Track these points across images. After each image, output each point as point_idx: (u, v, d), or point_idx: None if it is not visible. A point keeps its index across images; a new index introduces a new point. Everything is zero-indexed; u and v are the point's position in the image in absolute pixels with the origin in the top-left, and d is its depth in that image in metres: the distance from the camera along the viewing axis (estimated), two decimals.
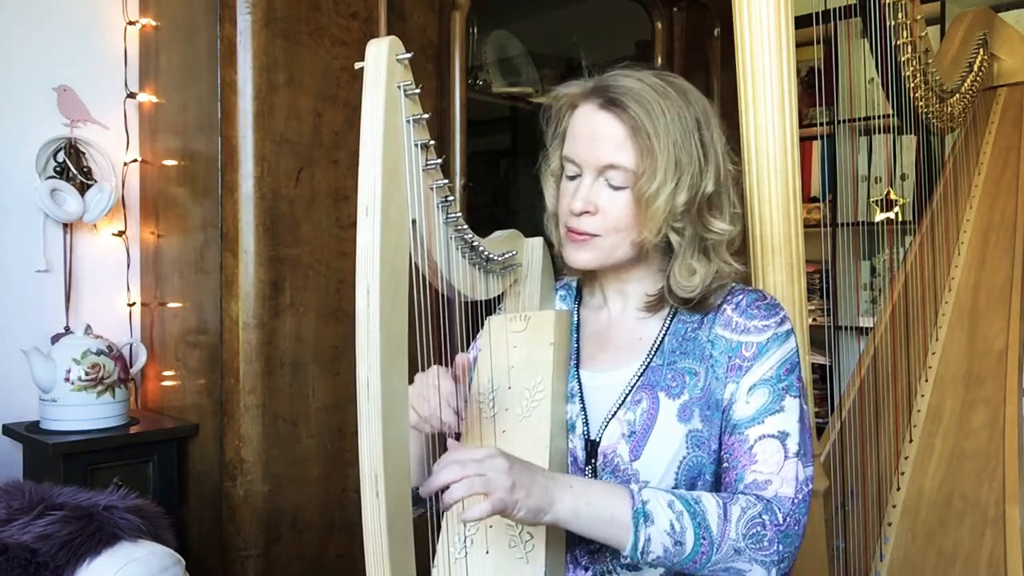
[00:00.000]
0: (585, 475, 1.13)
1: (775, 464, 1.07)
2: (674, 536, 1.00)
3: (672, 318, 1.18)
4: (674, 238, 1.13)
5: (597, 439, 1.13)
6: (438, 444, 1.15)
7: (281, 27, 1.97)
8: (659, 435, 1.10)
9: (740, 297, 1.17)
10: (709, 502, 1.03)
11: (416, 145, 0.94)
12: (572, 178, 1.15)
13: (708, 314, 1.17)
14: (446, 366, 1.08)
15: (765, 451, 1.08)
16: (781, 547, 1.03)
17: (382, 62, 0.90)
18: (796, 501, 1.06)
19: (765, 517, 1.03)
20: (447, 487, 0.94)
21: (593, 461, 1.12)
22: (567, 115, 1.18)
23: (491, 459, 0.95)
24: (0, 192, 2.09)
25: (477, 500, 0.94)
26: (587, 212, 1.12)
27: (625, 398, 1.14)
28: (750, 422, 1.09)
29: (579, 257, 1.16)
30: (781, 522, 1.04)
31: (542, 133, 1.23)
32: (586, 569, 1.13)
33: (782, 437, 1.08)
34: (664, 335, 1.17)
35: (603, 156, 1.11)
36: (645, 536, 0.99)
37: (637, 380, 1.14)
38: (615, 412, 1.13)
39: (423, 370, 1.07)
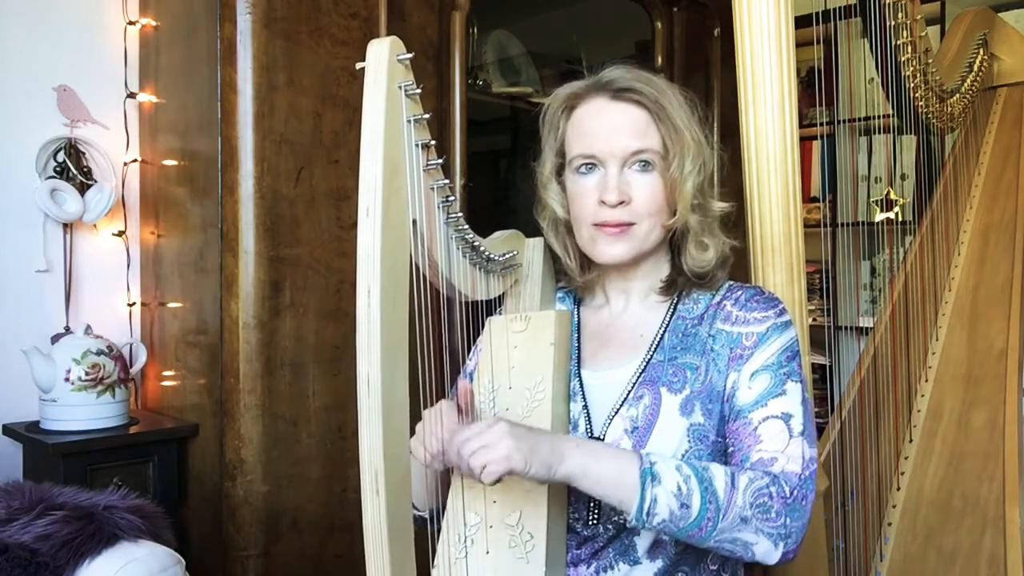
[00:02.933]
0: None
1: (781, 443, 1.07)
2: (680, 498, 0.99)
3: (672, 314, 1.19)
4: (692, 217, 1.16)
5: (601, 436, 1.14)
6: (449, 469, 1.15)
7: (281, 27, 1.96)
8: (662, 429, 1.11)
9: (739, 293, 1.19)
10: (717, 469, 1.03)
11: (417, 145, 0.94)
12: (587, 175, 1.15)
13: (708, 310, 1.18)
14: (448, 368, 1.08)
15: (770, 431, 1.08)
16: (788, 520, 1.02)
17: (383, 62, 0.90)
18: (803, 477, 1.05)
19: (772, 489, 1.03)
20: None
21: None
22: (564, 118, 1.19)
23: (489, 428, 0.97)
24: (0, 192, 2.09)
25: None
26: (622, 202, 1.13)
27: (627, 395, 1.14)
28: (753, 405, 1.10)
29: (614, 251, 1.15)
30: (788, 495, 1.03)
31: (540, 138, 1.23)
32: (587, 565, 1.13)
33: (786, 418, 1.08)
34: (664, 331, 1.18)
35: (629, 144, 1.12)
36: (651, 496, 0.98)
37: (639, 376, 1.15)
38: (618, 409, 1.14)
39: (423, 370, 1.07)
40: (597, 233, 1.15)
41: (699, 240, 1.17)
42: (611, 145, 1.13)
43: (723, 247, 1.19)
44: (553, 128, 1.20)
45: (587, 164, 1.15)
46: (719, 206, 1.18)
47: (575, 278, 1.26)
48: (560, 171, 1.20)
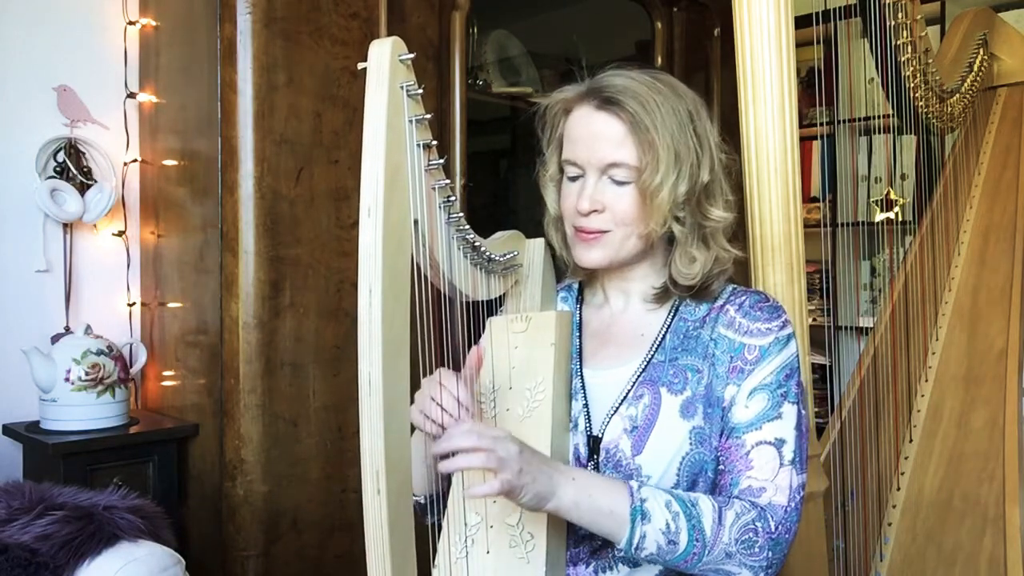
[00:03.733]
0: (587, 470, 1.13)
1: (770, 471, 1.09)
2: (668, 536, 1.02)
3: (674, 315, 1.19)
4: (676, 228, 1.15)
5: (599, 435, 1.14)
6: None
7: (281, 27, 1.96)
8: (661, 430, 1.11)
9: (743, 298, 1.18)
10: (705, 505, 1.05)
11: (418, 145, 0.94)
12: (574, 179, 1.17)
13: (710, 313, 1.18)
14: (450, 367, 1.08)
15: (761, 458, 1.10)
16: (770, 554, 1.06)
17: (384, 62, 0.90)
18: (788, 510, 1.08)
19: (758, 524, 1.06)
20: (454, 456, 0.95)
21: (595, 457, 1.13)
22: (562, 120, 1.20)
23: (504, 440, 0.97)
24: (0, 192, 2.09)
25: (478, 476, 0.96)
26: (595, 211, 1.14)
27: (627, 394, 1.15)
28: (748, 427, 1.11)
29: (590, 256, 1.17)
30: (773, 530, 1.06)
31: (539, 138, 1.24)
32: (587, 564, 1.13)
33: (778, 444, 1.10)
34: (666, 332, 1.18)
35: (605, 155, 1.13)
36: (640, 533, 1.01)
37: (639, 376, 1.16)
38: (617, 407, 1.14)
39: (424, 370, 1.07)
40: (575, 238, 1.18)
41: (686, 251, 1.16)
42: (589, 155, 1.14)
43: (720, 257, 1.18)
44: (554, 129, 1.21)
45: (573, 169, 1.17)
46: (718, 215, 1.17)
47: (570, 272, 1.27)
48: (562, 170, 1.21)
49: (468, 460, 0.95)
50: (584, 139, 1.14)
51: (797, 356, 1.16)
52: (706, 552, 1.03)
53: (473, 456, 0.95)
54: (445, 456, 0.96)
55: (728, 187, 1.19)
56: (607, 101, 1.13)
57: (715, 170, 1.16)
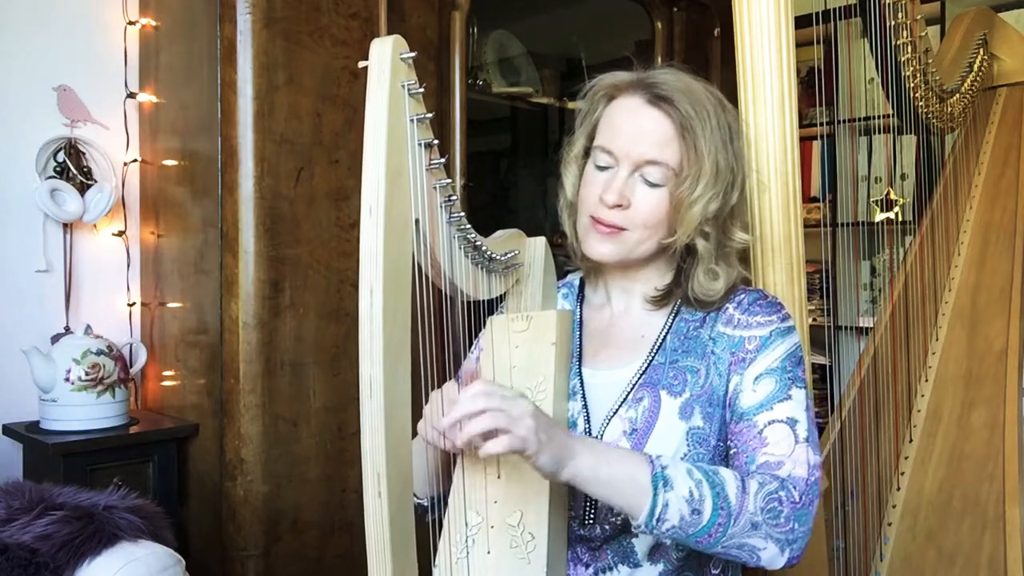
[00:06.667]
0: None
1: (787, 447, 1.06)
2: (692, 504, 0.98)
3: (675, 316, 1.19)
4: (700, 243, 1.14)
5: (599, 436, 1.13)
6: (452, 457, 1.15)
7: (281, 27, 1.96)
8: (660, 433, 1.11)
9: (742, 296, 1.18)
10: (727, 474, 1.02)
11: (419, 144, 0.94)
12: (602, 168, 1.14)
13: (710, 313, 1.17)
14: (450, 367, 1.07)
15: (776, 435, 1.07)
16: (796, 526, 1.02)
17: (386, 61, 0.90)
18: (809, 483, 1.05)
19: (782, 494, 1.02)
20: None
21: None
22: (602, 105, 1.17)
23: (516, 399, 0.94)
24: (0, 192, 2.09)
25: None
26: (619, 205, 1.12)
27: (627, 396, 1.14)
28: (759, 408, 1.09)
29: (602, 249, 1.15)
30: (797, 500, 1.02)
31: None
32: (587, 566, 1.13)
33: (791, 423, 1.08)
34: (666, 333, 1.18)
35: (646, 152, 1.11)
36: (664, 501, 0.97)
37: (639, 378, 1.15)
38: (616, 409, 1.14)
39: (425, 370, 1.07)
40: (590, 227, 1.15)
41: (710, 268, 1.15)
42: (629, 148, 1.11)
43: (735, 278, 1.17)
44: (591, 112, 1.19)
45: (604, 157, 1.14)
46: (740, 237, 1.16)
47: (577, 261, 1.25)
48: (587, 153, 1.19)
49: (477, 424, 0.91)
50: (627, 130, 1.12)
51: (800, 347, 1.15)
52: (732, 522, 0.98)
53: (484, 417, 0.91)
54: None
55: (746, 210, 1.18)
56: (660, 97, 1.10)
57: (744, 192, 1.16)
